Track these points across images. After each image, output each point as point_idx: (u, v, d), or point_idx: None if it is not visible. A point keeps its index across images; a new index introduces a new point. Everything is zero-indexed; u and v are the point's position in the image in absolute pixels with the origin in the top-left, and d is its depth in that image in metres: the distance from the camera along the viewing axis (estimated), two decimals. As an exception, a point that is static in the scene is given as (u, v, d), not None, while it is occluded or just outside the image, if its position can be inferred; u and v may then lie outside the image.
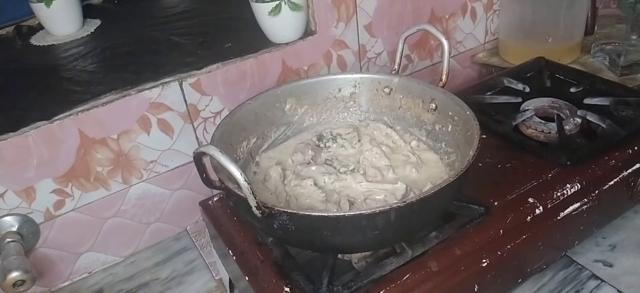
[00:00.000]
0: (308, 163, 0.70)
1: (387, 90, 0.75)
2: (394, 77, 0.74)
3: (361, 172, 0.68)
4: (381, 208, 0.50)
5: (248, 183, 0.49)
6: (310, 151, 0.72)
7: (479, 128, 0.60)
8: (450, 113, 0.68)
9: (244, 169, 0.70)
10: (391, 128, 0.75)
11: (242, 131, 0.71)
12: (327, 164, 0.71)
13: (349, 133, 0.76)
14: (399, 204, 0.50)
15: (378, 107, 0.77)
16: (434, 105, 0.70)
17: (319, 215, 0.53)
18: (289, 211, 0.52)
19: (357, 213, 0.53)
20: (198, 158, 0.54)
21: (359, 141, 0.75)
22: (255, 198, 0.50)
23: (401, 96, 0.74)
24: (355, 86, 0.77)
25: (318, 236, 0.55)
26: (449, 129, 0.68)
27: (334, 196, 0.65)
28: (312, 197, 0.65)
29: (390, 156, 0.71)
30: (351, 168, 0.70)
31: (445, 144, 0.70)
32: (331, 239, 0.54)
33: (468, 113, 0.63)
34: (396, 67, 0.74)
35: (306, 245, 0.60)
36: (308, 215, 0.53)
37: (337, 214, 0.54)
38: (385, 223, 0.52)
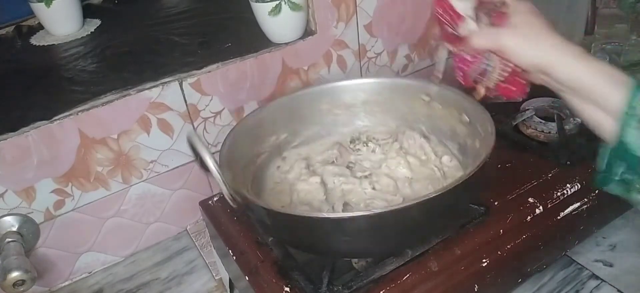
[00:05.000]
0: (331, 163, 0.70)
1: (426, 98, 0.72)
2: (432, 85, 0.69)
3: (374, 180, 0.67)
4: (349, 215, 0.51)
5: (220, 174, 0.50)
6: (336, 151, 0.72)
7: (492, 146, 0.56)
8: (478, 128, 0.64)
9: (268, 161, 0.71)
10: (426, 138, 0.72)
11: (271, 125, 0.71)
12: (347, 167, 0.70)
13: (384, 139, 0.74)
14: (368, 213, 0.50)
15: (415, 116, 0.74)
16: (467, 118, 0.66)
17: (290, 214, 0.54)
18: (262, 204, 0.53)
19: (325, 216, 0.53)
20: (190, 143, 0.54)
21: (396, 141, 0.72)
22: (228, 189, 0.51)
23: (439, 106, 0.71)
24: (394, 90, 0.74)
25: (296, 234, 0.56)
26: (477, 146, 0.64)
27: (335, 196, 0.65)
28: (313, 194, 0.65)
29: (416, 169, 0.68)
30: (366, 173, 0.68)
31: (472, 161, 0.65)
32: (307, 239, 0.55)
33: (490, 129, 0.59)
34: (439, 75, 0.65)
35: (285, 240, 0.61)
36: (280, 212, 0.54)
37: (306, 215, 0.54)
38: (356, 229, 0.52)
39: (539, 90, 0.54)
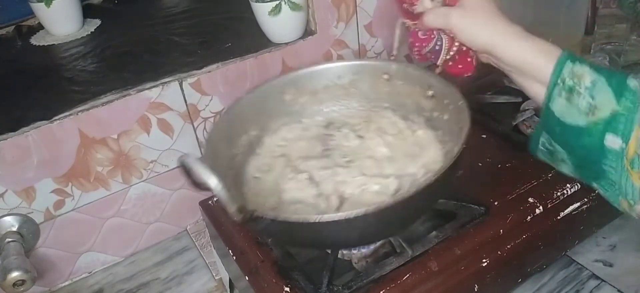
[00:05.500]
0: (308, 157, 0.69)
1: (386, 76, 0.72)
2: (392, 63, 0.71)
3: (357, 164, 0.67)
4: (345, 216, 0.50)
5: (226, 191, 0.48)
6: (316, 141, 0.71)
7: (470, 120, 0.56)
8: (445, 102, 0.65)
9: (243, 162, 0.70)
10: (398, 115, 0.73)
11: (241, 125, 0.70)
12: (325, 156, 0.69)
13: (358, 124, 0.73)
14: (358, 213, 0.50)
15: (377, 95, 0.74)
16: (431, 92, 0.67)
17: (300, 222, 0.52)
18: (269, 217, 0.52)
19: (336, 218, 0.52)
20: (182, 165, 0.53)
21: (372, 122, 0.73)
22: (235, 205, 0.49)
23: (400, 82, 0.72)
24: (356, 73, 0.74)
25: (298, 237, 0.57)
26: (446, 118, 0.66)
27: (327, 191, 0.64)
28: (304, 191, 0.64)
29: (392, 147, 0.69)
30: (348, 159, 0.68)
31: (442, 133, 0.67)
32: (315, 239, 0.56)
33: (460, 103, 0.60)
34: (395, 53, 0.70)
35: (287, 242, 0.62)
36: (285, 220, 0.53)
37: (312, 221, 0.53)
38: (363, 224, 0.52)
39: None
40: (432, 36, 0.59)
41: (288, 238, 0.60)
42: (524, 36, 0.51)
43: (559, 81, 0.47)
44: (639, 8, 0.98)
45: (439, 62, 0.59)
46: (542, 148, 0.52)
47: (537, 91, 0.50)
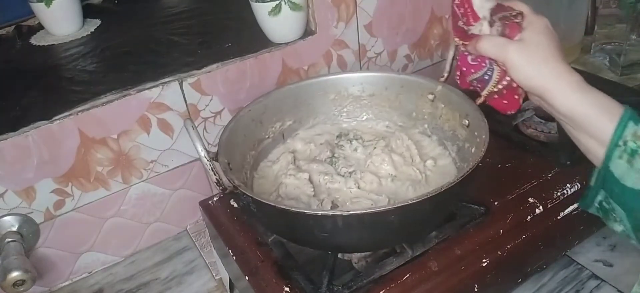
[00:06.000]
0: (313, 159, 0.70)
1: (431, 97, 0.71)
2: (438, 84, 0.69)
3: (358, 177, 0.67)
4: (330, 213, 0.53)
5: (209, 161, 0.53)
6: (325, 147, 0.72)
7: (482, 154, 0.56)
8: (476, 134, 0.63)
9: (271, 147, 0.74)
10: (414, 141, 0.72)
11: (277, 112, 0.73)
12: (328, 163, 0.70)
13: (370, 141, 0.73)
14: (346, 213, 0.51)
15: (420, 114, 0.74)
16: (467, 122, 0.66)
17: (273, 205, 0.54)
18: (248, 193, 0.55)
19: (303, 211, 0.55)
20: (186, 128, 0.58)
21: (382, 140, 0.72)
22: (216, 176, 0.53)
23: (442, 106, 0.71)
24: (403, 86, 0.74)
25: (277, 223, 0.59)
26: (473, 151, 0.64)
27: (322, 194, 0.65)
28: (301, 189, 0.65)
29: (399, 168, 0.68)
30: (350, 170, 0.69)
31: (467, 166, 0.64)
32: (288, 230, 0.59)
33: (484, 136, 0.59)
34: (445, 74, 0.63)
35: (269, 227, 0.64)
36: (265, 202, 0.55)
37: (288, 208, 0.54)
38: (331, 227, 0.53)
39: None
40: (483, 64, 0.53)
41: (269, 222, 0.62)
42: (583, 88, 0.46)
43: (620, 143, 0.44)
44: (639, 8, 0.98)
45: (484, 93, 0.55)
46: (598, 205, 0.50)
47: (590, 146, 0.47)
